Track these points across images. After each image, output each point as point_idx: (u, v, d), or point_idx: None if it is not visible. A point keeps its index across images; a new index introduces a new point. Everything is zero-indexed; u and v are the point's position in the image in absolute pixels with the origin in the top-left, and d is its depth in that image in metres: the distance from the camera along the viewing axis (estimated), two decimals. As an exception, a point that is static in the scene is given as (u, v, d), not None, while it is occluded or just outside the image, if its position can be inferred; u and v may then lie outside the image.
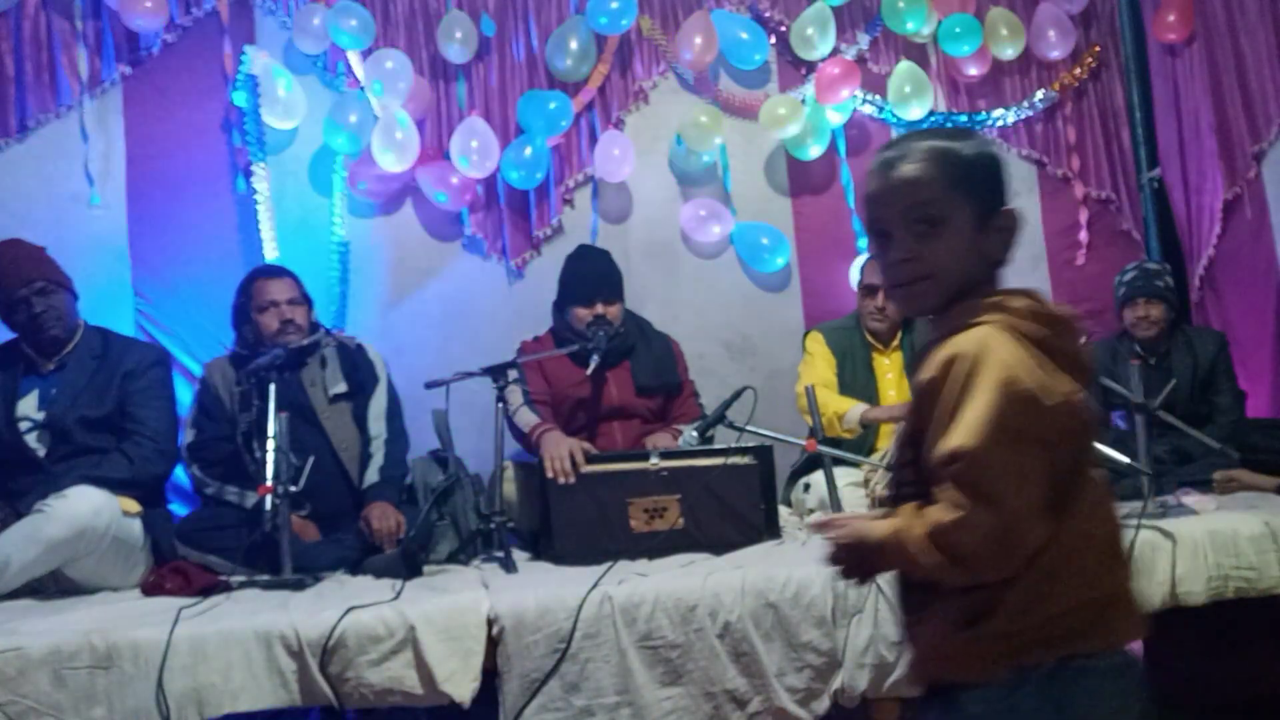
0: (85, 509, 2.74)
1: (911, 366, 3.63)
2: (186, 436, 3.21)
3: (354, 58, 4.09)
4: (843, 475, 3.06)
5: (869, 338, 3.66)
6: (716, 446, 3.03)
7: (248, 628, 2.30)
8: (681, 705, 2.37)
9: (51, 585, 2.76)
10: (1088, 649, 1.27)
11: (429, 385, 3.06)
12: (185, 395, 3.44)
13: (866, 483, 3.08)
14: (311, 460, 2.80)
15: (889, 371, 3.64)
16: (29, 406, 3.07)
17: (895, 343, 3.67)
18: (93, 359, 3.13)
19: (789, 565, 2.53)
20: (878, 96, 4.51)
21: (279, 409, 2.77)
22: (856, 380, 3.60)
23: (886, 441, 3.22)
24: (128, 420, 3.10)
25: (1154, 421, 2.91)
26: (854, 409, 3.42)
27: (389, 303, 4.14)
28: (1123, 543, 1.41)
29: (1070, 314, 1.45)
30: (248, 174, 4.00)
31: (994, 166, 1.46)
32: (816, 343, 3.70)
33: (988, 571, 1.25)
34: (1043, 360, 1.35)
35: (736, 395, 2.99)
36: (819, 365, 3.63)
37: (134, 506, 2.91)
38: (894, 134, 4.57)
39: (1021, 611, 1.26)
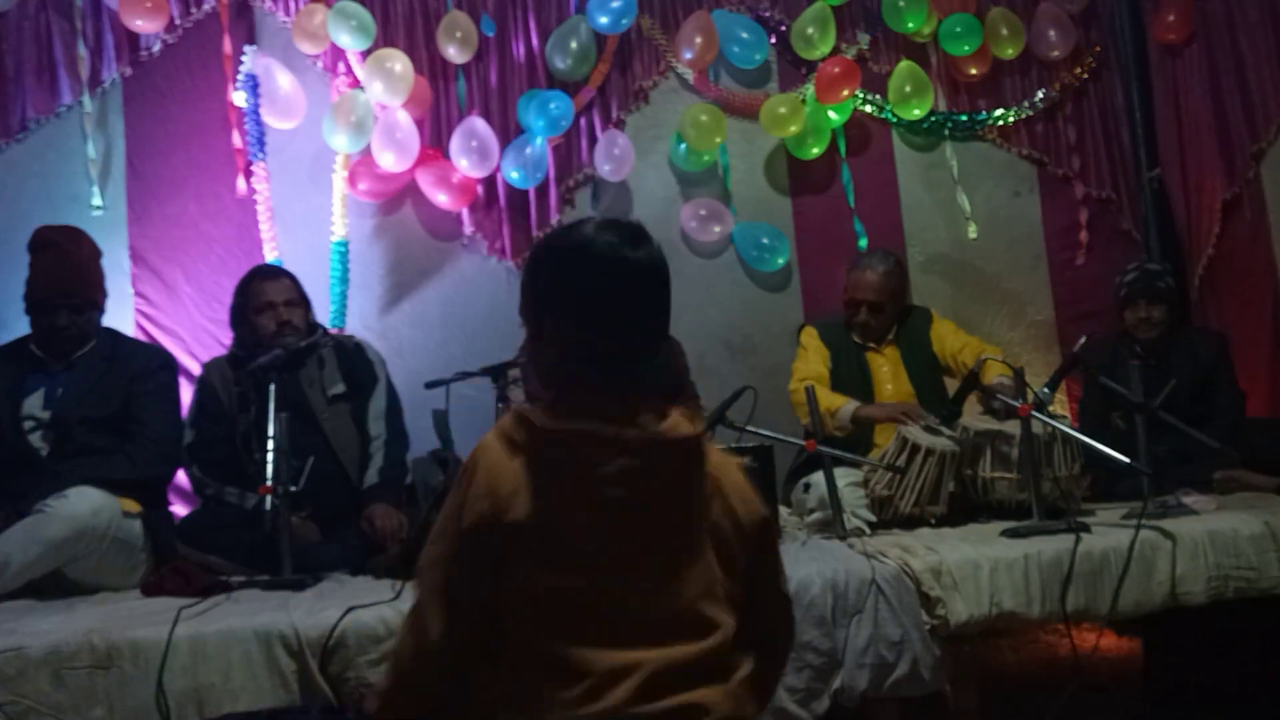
0: (85, 509, 2.74)
1: (912, 360, 3.64)
2: (186, 437, 3.21)
3: (354, 58, 4.09)
4: (843, 475, 3.06)
5: (857, 339, 3.67)
6: (716, 447, 3.02)
7: (248, 628, 2.30)
8: (681, 705, 2.37)
9: (51, 585, 2.76)
10: None
11: (429, 385, 3.06)
12: (187, 397, 3.43)
13: (866, 483, 3.07)
14: (311, 461, 2.80)
15: (884, 366, 3.65)
16: (34, 405, 3.06)
17: (890, 338, 3.68)
18: (101, 360, 3.13)
19: (789, 565, 2.49)
20: (878, 96, 4.52)
21: (278, 410, 2.77)
22: (850, 376, 3.60)
23: (886, 440, 3.22)
24: (132, 422, 3.10)
25: (1154, 421, 2.91)
26: (845, 406, 3.42)
27: (388, 303, 4.14)
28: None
29: (558, 428, 1.36)
30: (248, 174, 4.00)
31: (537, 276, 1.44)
32: (811, 337, 3.71)
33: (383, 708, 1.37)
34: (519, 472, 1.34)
35: (736, 395, 2.99)
36: (812, 359, 3.63)
37: (134, 507, 2.91)
38: (894, 134, 4.58)
39: None
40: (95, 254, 3.22)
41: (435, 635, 1.36)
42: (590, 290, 1.39)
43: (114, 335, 3.25)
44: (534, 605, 1.32)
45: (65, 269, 3.10)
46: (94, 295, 3.16)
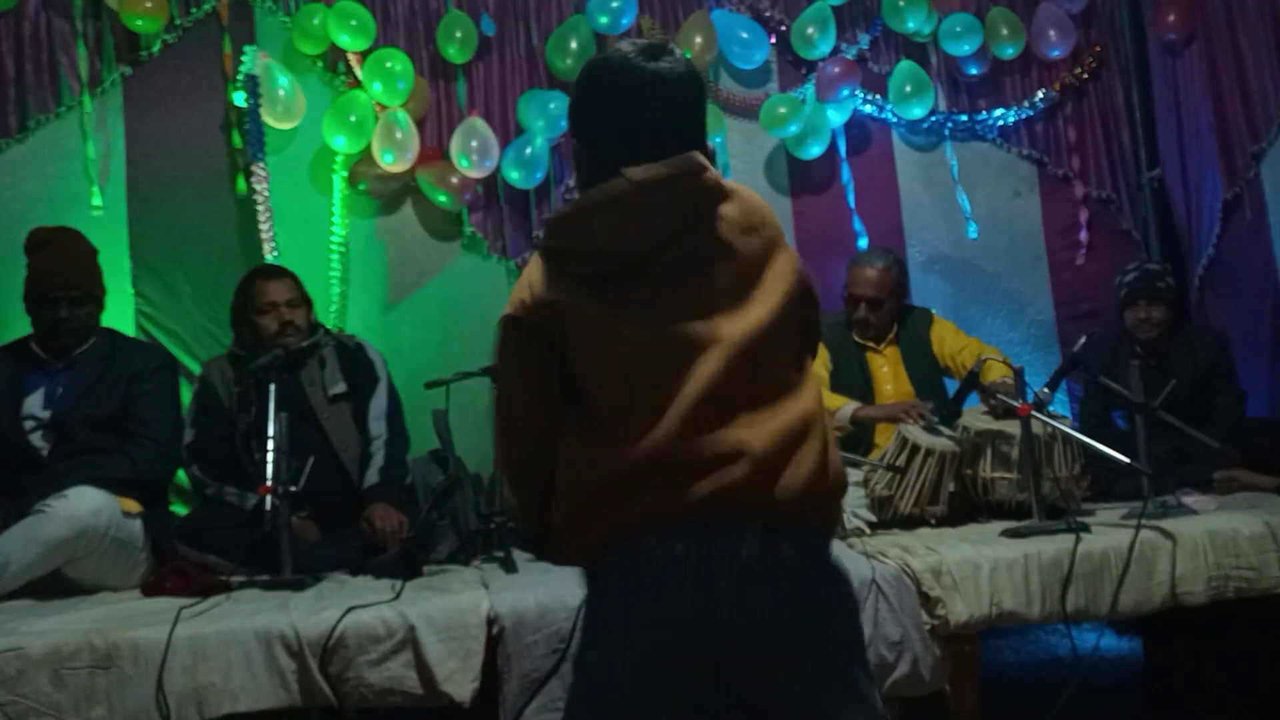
0: (85, 509, 2.74)
1: (912, 359, 3.63)
2: (186, 436, 3.21)
3: (354, 58, 4.09)
4: (842, 475, 3.06)
5: (858, 339, 3.66)
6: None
7: (248, 628, 2.30)
8: (681, 705, 2.37)
9: (51, 585, 2.76)
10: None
11: (429, 385, 3.06)
12: (187, 396, 3.44)
13: (866, 483, 3.07)
14: (311, 461, 2.80)
15: (884, 365, 3.65)
16: (34, 405, 3.07)
17: (890, 337, 3.67)
18: (101, 360, 3.14)
19: (789, 565, 2.52)
20: (878, 96, 4.51)
21: (278, 409, 2.77)
22: (850, 376, 3.60)
23: (886, 440, 3.22)
24: (132, 422, 3.10)
25: (1154, 421, 2.91)
26: (845, 407, 3.42)
27: (389, 303, 4.14)
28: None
29: (588, 203, 1.47)
30: (248, 174, 4.00)
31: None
32: None
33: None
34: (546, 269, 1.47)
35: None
36: None
37: (134, 506, 2.91)
38: (894, 134, 4.58)
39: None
40: (91, 251, 3.24)
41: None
42: (610, 104, 1.49)
43: (113, 335, 3.25)
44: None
45: (63, 262, 3.12)
46: (92, 288, 3.16)
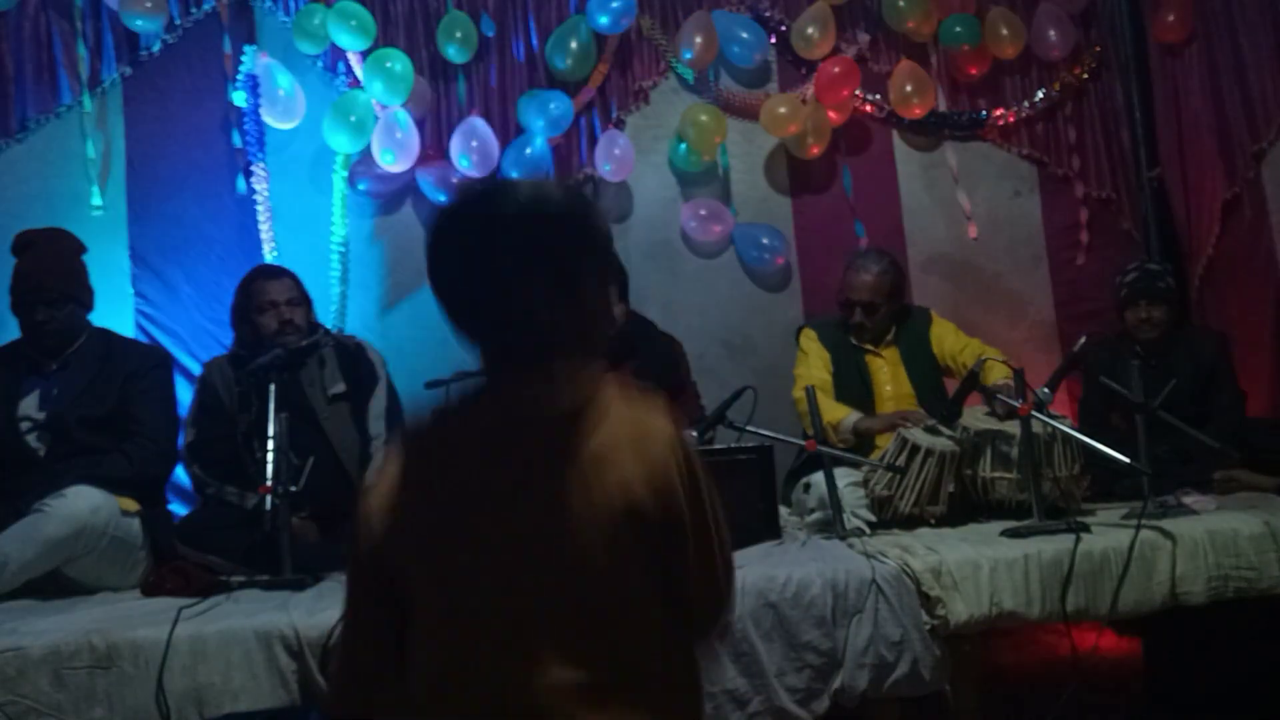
0: (83, 508, 2.75)
1: (912, 360, 3.63)
2: (187, 436, 3.21)
3: (354, 58, 4.09)
4: (842, 475, 3.06)
5: (855, 341, 3.66)
6: (717, 447, 3.03)
7: (248, 628, 2.30)
8: (681, 705, 2.37)
9: (51, 585, 2.76)
10: None
11: (429, 385, 3.06)
12: (185, 396, 3.44)
13: (866, 483, 3.07)
14: (311, 461, 2.80)
15: (884, 367, 3.64)
16: (30, 406, 3.08)
17: (889, 338, 3.67)
18: (95, 360, 3.14)
19: (789, 565, 2.53)
20: (878, 96, 4.51)
21: (278, 409, 2.77)
22: (849, 377, 3.60)
23: (886, 442, 3.22)
24: (128, 420, 3.11)
25: (1154, 421, 2.91)
26: (847, 418, 3.42)
27: (388, 303, 4.14)
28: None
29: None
30: (248, 174, 4.00)
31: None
32: (810, 340, 3.69)
33: None
34: None
35: (736, 395, 2.99)
36: (813, 364, 3.62)
37: (133, 505, 2.91)
38: (894, 134, 4.58)
39: None
40: (76, 250, 3.23)
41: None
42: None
43: (108, 335, 3.25)
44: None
45: (40, 265, 3.12)
46: (70, 289, 3.16)
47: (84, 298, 3.20)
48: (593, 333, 1.33)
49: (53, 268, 3.14)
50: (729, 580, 1.35)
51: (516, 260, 1.24)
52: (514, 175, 4.10)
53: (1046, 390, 2.96)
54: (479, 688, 1.20)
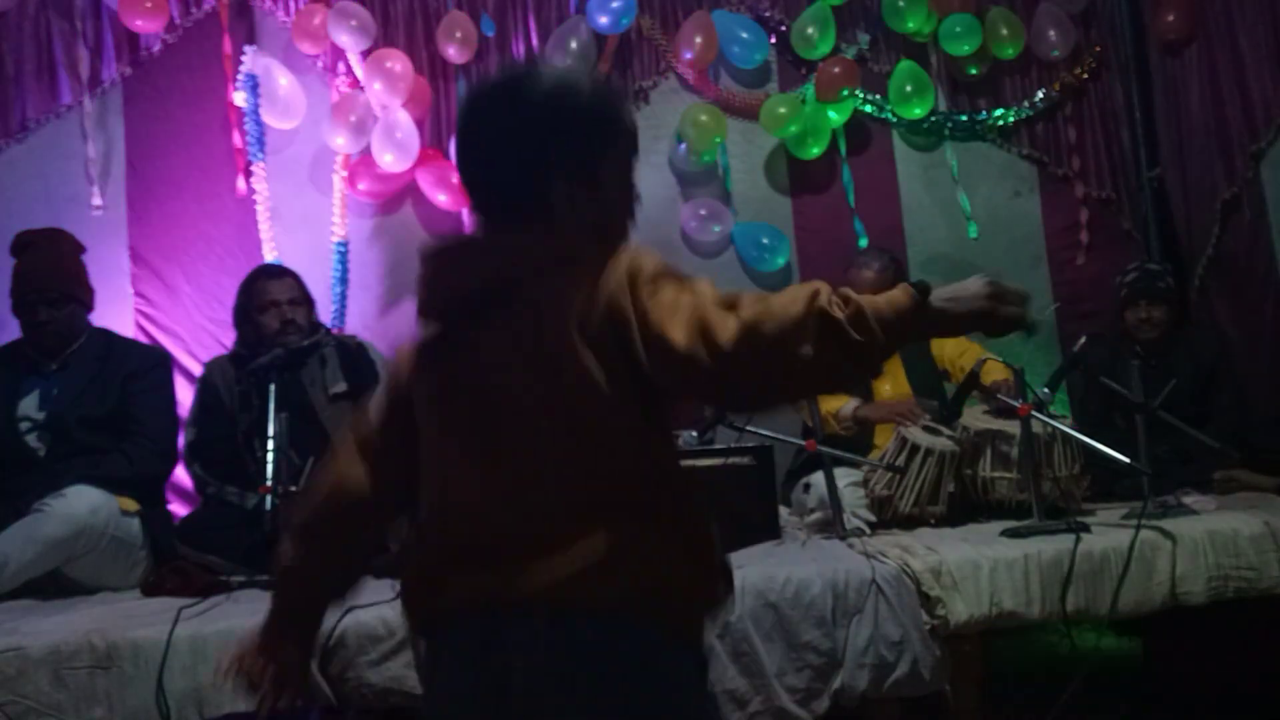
0: (83, 508, 2.75)
1: (911, 362, 3.63)
2: (188, 435, 3.22)
3: (354, 58, 4.09)
4: (843, 475, 3.06)
5: None
6: (716, 447, 3.03)
7: (248, 628, 2.29)
8: (681, 705, 2.37)
9: (51, 585, 2.76)
10: None
11: (429, 385, 3.06)
12: (185, 396, 3.44)
13: (866, 483, 3.07)
14: (312, 461, 2.79)
15: (883, 369, 3.63)
16: (30, 406, 3.08)
17: None
18: (95, 360, 3.14)
19: (789, 565, 2.53)
20: (878, 96, 4.51)
21: (279, 409, 2.77)
22: None
23: (886, 440, 3.22)
24: (128, 420, 3.10)
25: (1154, 421, 2.91)
26: (847, 405, 3.42)
27: (388, 303, 4.14)
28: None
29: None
30: (248, 174, 4.00)
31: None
32: None
33: None
34: None
35: (736, 395, 2.98)
36: None
37: (133, 505, 2.91)
38: (894, 134, 4.58)
39: None
40: (76, 250, 3.23)
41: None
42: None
43: (107, 335, 3.25)
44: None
45: (40, 266, 3.12)
46: (71, 289, 3.16)
47: (85, 298, 3.21)
48: (610, 225, 1.36)
49: (54, 268, 3.14)
50: (705, 334, 1.17)
51: (538, 147, 1.28)
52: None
53: (1046, 390, 2.96)
54: (472, 507, 1.27)
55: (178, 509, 3.51)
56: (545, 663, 1.21)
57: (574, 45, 4.18)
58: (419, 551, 1.35)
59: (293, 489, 2.71)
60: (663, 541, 1.25)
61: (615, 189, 1.37)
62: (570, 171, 1.30)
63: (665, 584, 1.25)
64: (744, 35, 4.38)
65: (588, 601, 1.21)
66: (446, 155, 4.11)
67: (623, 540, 1.22)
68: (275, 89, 3.93)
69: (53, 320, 3.09)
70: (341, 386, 3.28)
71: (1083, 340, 3.15)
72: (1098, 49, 4.68)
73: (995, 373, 3.29)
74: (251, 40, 4.05)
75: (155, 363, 3.26)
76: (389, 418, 1.45)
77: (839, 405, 3.42)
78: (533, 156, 1.29)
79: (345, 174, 4.08)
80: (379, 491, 1.46)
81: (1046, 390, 2.96)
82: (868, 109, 4.52)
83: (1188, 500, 2.92)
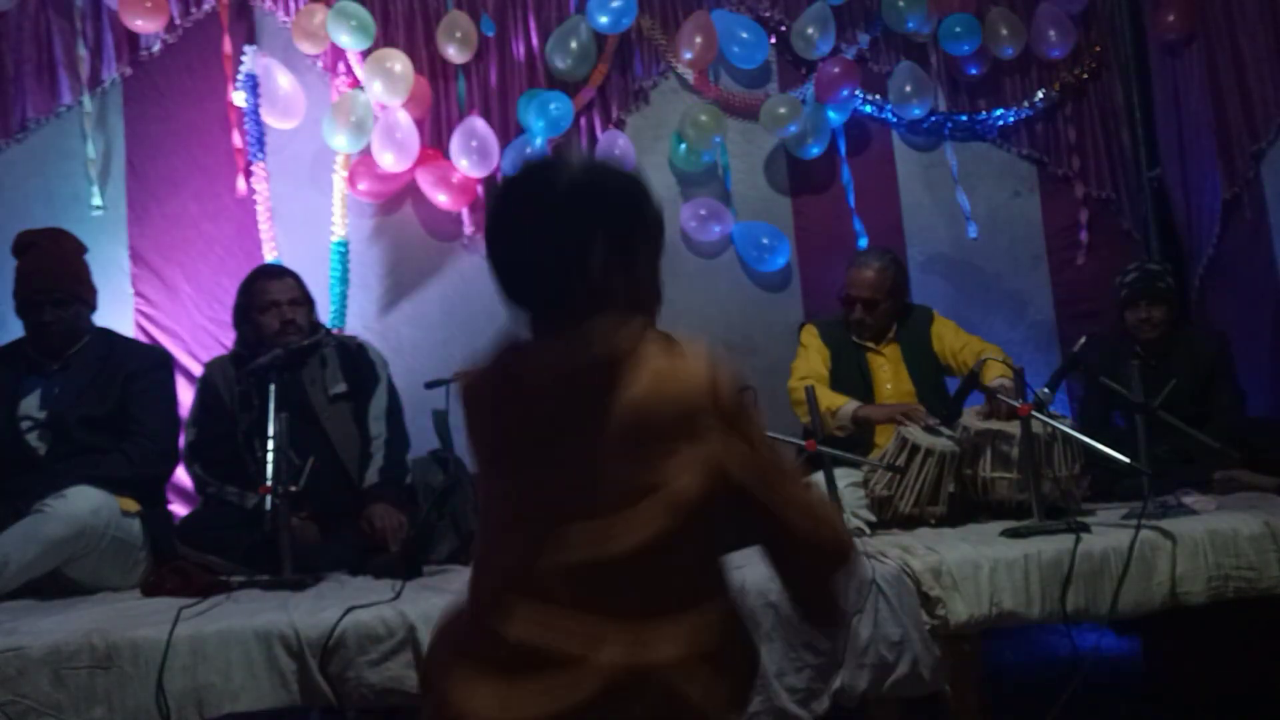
0: (84, 508, 2.74)
1: (912, 358, 3.63)
2: (188, 435, 3.22)
3: (354, 58, 4.09)
4: (843, 475, 3.06)
5: (857, 339, 3.66)
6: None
7: (248, 628, 2.30)
8: (681, 705, 2.37)
9: (51, 585, 2.76)
10: None
11: (429, 385, 3.06)
12: (185, 396, 3.44)
13: (866, 483, 3.07)
14: (312, 461, 2.80)
15: (884, 365, 3.64)
16: (31, 406, 3.07)
17: (890, 336, 3.67)
18: (97, 360, 3.13)
19: (789, 565, 2.52)
20: (878, 96, 4.52)
21: (279, 409, 2.77)
22: (850, 375, 3.60)
23: (886, 441, 3.22)
24: (128, 421, 3.10)
25: (1154, 421, 2.91)
26: (846, 406, 3.42)
27: (388, 303, 4.15)
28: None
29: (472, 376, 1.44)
30: (248, 174, 4.00)
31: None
32: (811, 335, 3.70)
33: None
34: None
35: (736, 395, 2.98)
36: (812, 358, 3.63)
37: (133, 506, 2.91)
38: (894, 134, 4.58)
39: None
40: (78, 250, 3.23)
41: None
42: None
43: (109, 335, 3.25)
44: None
45: (45, 265, 3.11)
46: (77, 289, 3.16)
47: (89, 298, 3.20)
48: (644, 301, 1.41)
49: (58, 268, 3.14)
50: (822, 516, 1.37)
51: (578, 227, 1.33)
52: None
53: (1046, 390, 2.96)
54: (504, 572, 1.31)
55: (178, 509, 3.51)
56: None
57: (574, 45, 4.18)
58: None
59: (293, 489, 2.71)
60: (721, 627, 1.33)
61: (648, 269, 1.42)
62: (608, 245, 1.34)
63: (725, 667, 1.32)
64: (744, 35, 4.38)
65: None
66: (446, 155, 4.11)
67: (692, 624, 1.28)
68: (275, 89, 3.94)
69: (58, 320, 3.09)
70: (341, 387, 3.29)
71: (1083, 340, 3.15)
72: (1098, 49, 4.68)
73: (995, 370, 3.29)
74: (251, 40, 4.05)
75: (156, 363, 3.25)
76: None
77: (838, 405, 3.42)
78: (575, 235, 1.33)
79: (345, 174, 4.08)
80: None
81: (1046, 390, 2.96)
82: (868, 109, 4.53)
83: (1188, 500, 2.92)
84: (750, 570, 2.48)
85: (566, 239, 1.32)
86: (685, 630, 1.28)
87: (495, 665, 1.27)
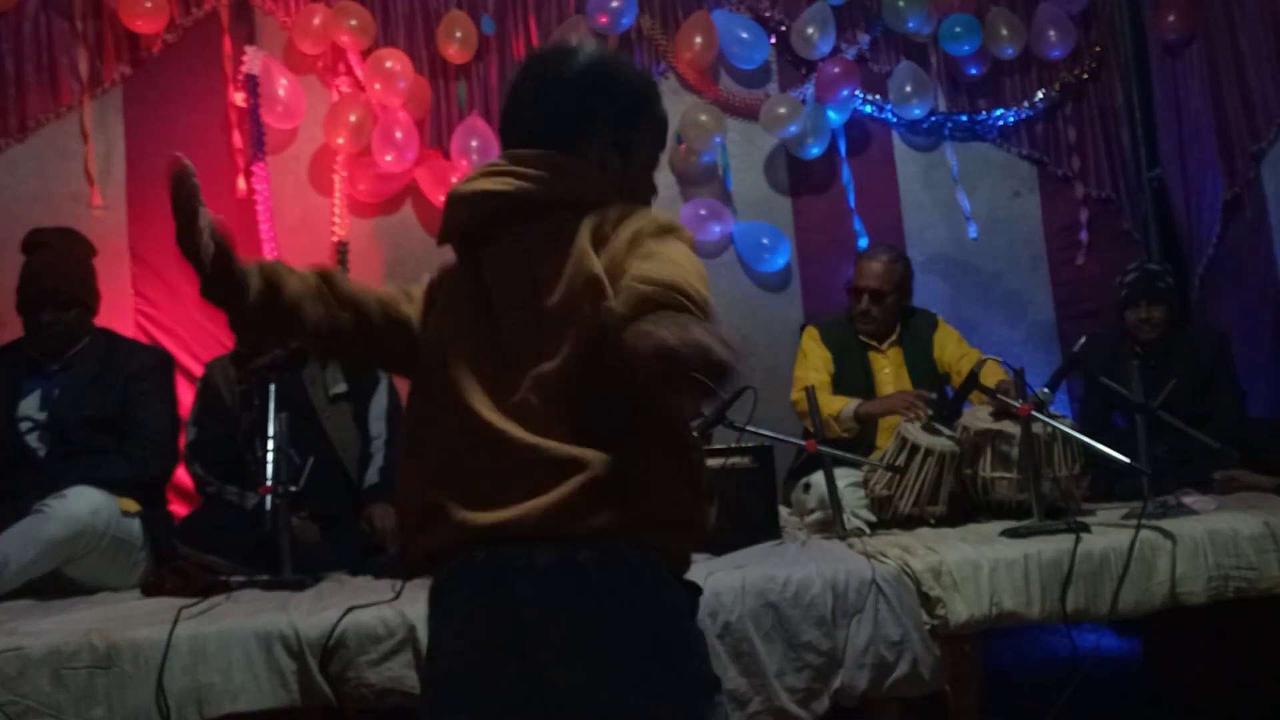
0: (84, 509, 2.74)
1: (914, 362, 3.63)
2: (188, 435, 3.21)
3: (354, 58, 4.09)
4: (843, 475, 3.06)
5: (862, 337, 3.66)
6: (717, 447, 3.03)
7: (248, 628, 2.30)
8: (681, 705, 2.36)
9: (51, 585, 2.76)
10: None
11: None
12: (186, 396, 3.44)
13: (866, 482, 3.07)
14: (311, 461, 2.80)
15: (886, 366, 3.64)
16: (31, 406, 3.07)
17: (893, 338, 3.67)
18: (97, 360, 3.13)
19: (789, 565, 2.53)
20: (878, 96, 4.52)
21: (279, 409, 2.77)
22: (853, 376, 3.60)
23: (886, 440, 3.22)
24: (129, 422, 3.10)
25: (1154, 421, 2.91)
26: (848, 405, 3.42)
27: (389, 303, 4.14)
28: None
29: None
30: (248, 174, 4.00)
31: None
32: (812, 339, 3.70)
33: None
34: None
35: (736, 395, 2.98)
36: (812, 364, 3.63)
37: (133, 506, 2.91)
38: (894, 134, 4.58)
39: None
40: (87, 253, 3.23)
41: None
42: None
43: (109, 335, 3.25)
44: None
45: (51, 268, 3.11)
46: (79, 293, 3.15)
47: (91, 302, 3.20)
48: (638, 191, 1.45)
49: (64, 271, 3.13)
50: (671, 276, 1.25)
51: (585, 104, 1.39)
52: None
53: (1046, 390, 2.96)
54: (473, 434, 1.32)
55: (178, 509, 3.51)
56: (551, 598, 1.27)
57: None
58: (417, 479, 1.38)
59: (293, 489, 2.71)
60: (662, 466, 1.32)
61: (643, 168, 1.47)
62: (609, 136, 1.42)
63: (664, 510, 1.32)
64: (744, 35, 4.38)
65: (587, 531, 1.28)
66: (446, 155, 4.11)
67: (623, 465, 1.28)
68: (275, 89, 3.93)
69: (57, 323, 3.08)
70: (341, 387, 3.29)
71: (1083, 340, 3.15)
72: (1098, 49, 4.68)
73: (995, 374, 3.29)
74: (251, 40, 4.05)
75: (157, 364, 3.25)
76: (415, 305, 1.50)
77: (840, 407, 3.42)
78: (579, 111, 1.40)
79: (345, 174, 4.08)
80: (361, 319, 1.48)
81: (1046, 390, 2.96)
82: (868, 109, 4.53)
83: (1188, 500, 2.92)
84: (750, 570, 2.49)
85: (570, 118, 1.39)
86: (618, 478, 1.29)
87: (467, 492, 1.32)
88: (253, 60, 3.99)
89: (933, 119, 4.53)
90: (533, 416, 1.31)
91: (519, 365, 1.33)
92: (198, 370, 3.56)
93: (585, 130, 1.40)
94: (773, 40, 4.48)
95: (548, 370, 1.31)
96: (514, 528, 1.28)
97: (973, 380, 3.10)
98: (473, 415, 1.33)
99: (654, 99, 1.46)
